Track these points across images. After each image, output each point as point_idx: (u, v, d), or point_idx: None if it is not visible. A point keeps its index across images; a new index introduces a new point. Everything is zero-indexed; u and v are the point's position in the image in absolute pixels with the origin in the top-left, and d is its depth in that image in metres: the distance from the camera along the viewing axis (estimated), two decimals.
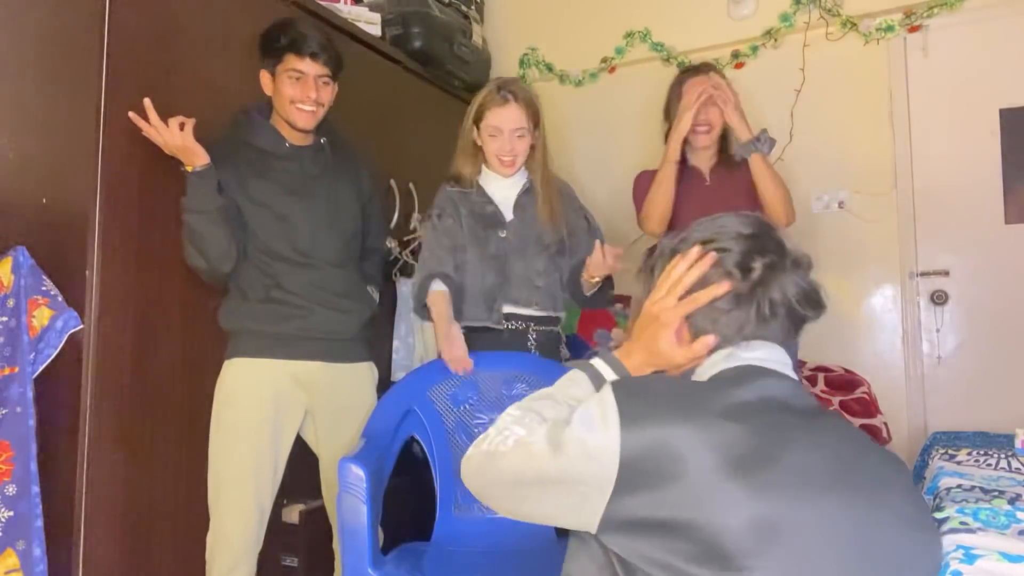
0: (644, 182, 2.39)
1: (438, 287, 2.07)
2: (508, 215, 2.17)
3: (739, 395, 0.95)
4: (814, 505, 0.87)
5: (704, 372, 1.05)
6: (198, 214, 1.82)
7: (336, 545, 2.01)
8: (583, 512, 0.91)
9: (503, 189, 2.20)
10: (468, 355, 1.99)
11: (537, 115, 2.17)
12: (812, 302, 1.05)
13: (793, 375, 1.04)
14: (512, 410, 1.04)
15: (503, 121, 2.11)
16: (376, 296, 2.17)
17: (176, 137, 1.78)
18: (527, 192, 2.20)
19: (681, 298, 1.06)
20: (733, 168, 2.31)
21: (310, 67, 1.90)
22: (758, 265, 1.02)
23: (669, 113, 2.37)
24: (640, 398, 0.93)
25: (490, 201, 2.18)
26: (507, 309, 2.11)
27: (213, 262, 1.86)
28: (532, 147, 2.18)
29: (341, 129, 2.17)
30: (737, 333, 1.03)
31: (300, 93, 1.90)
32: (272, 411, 1.88)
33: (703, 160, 2.37)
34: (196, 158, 1.81)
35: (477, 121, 2.16)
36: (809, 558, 0.85)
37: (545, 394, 1.09)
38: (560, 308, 2.21)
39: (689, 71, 2.40)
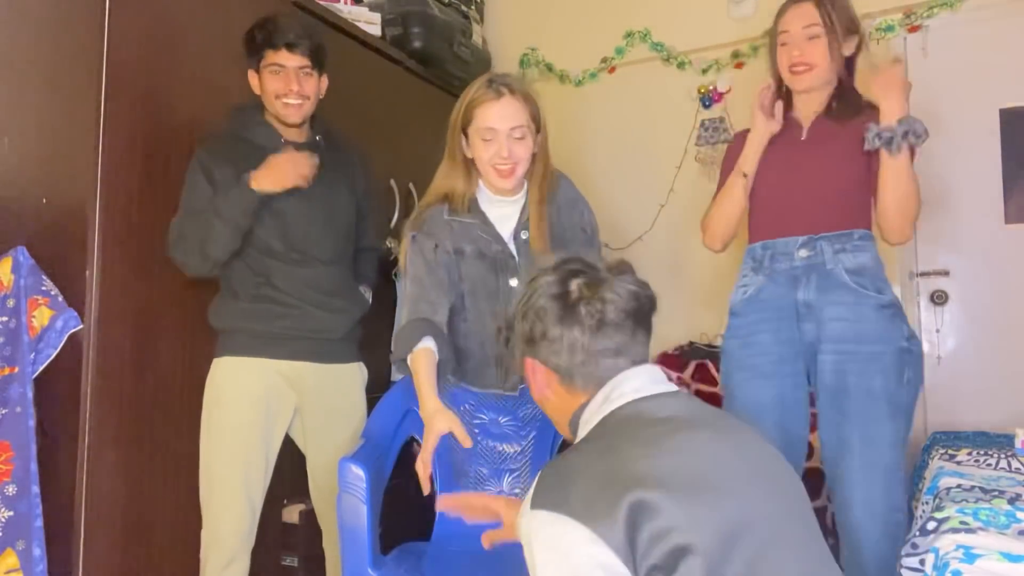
0: (733, 153, 1.95)
1: (427, 344, 1.69)
2: (515, 255, 1.83)
3: (643, 434, 0.98)
4: (753, 504, 0.92)
5: (589, 420, 1.06)
6: (231, 224, 1.81)
7: (326, 545, 2.00)
8: None
9: (504, 217, 1.84)
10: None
11: (538, 115, 1.81)
12: (646, 297, 1.12)
13: (671, 387, 1.07)
14: None
15: (497, 119, 1.74)
16: (369, 296, 2.15)
17: (303, 166, 1.85)
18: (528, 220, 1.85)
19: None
20: (844, 121, 1.81)
21: (288, 59, 1.88)
22: (575, 289, 1.08)
23: (770, 50, 1.91)
24: (569, 493, 0.91)
25: (497, 238, 1.81)
26: None
27: (212, 258, 1.84)
28: (533, 156, 1.82)
29: (337, 126, 2.16)
30: (599, 363, 1.07)
31: (283, 86, 1.89)
32: (263, 410, 1.87)
33: (805, 107, 1.88)
34: (277, 185, 1.82)
35: (465, 126, 1.79)
36: (763, 550, 0.89)
37: None
38: None
39: None
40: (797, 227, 1.81)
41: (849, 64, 1.86)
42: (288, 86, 1.89)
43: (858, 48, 1.86)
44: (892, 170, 1.70)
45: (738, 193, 1.88)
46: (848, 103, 1.83)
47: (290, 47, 1.88)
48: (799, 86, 1.84)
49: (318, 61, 1.94)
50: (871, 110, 1.77)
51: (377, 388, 2.14)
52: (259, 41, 1.89)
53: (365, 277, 2.18)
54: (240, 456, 1.84)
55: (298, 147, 1.98)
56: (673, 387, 1.08)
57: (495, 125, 1.75)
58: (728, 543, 0.86)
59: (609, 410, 1.03)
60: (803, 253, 1.79)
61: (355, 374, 2.06)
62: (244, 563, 1.86)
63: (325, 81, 2.00)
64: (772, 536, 0.90)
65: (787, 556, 0.90)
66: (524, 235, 1.85)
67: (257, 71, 1.93)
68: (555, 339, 1.08)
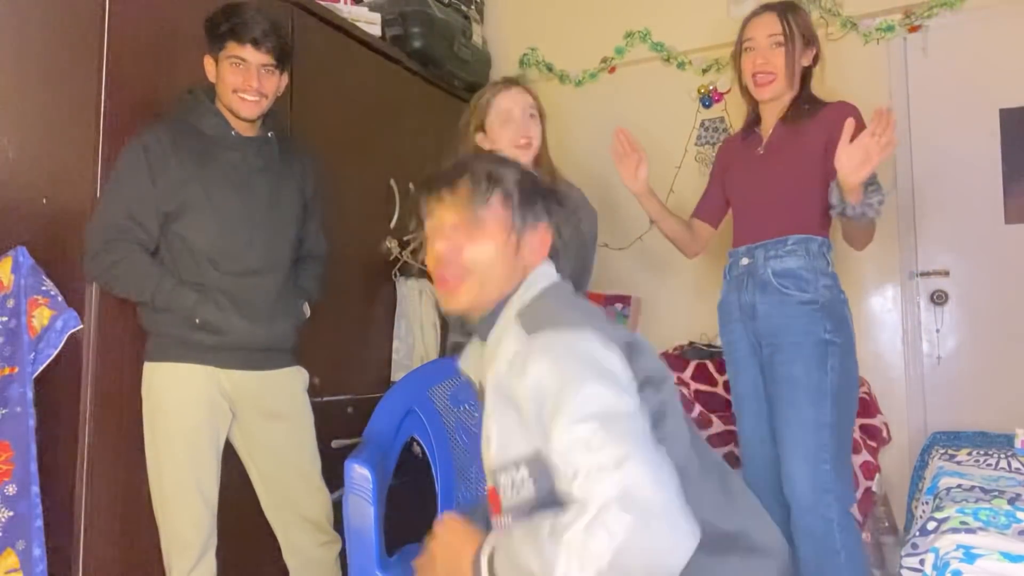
0: (718, 156, 2.22)
1: None
2: None
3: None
4: None
5: (527, 293, 1.15)
6: (157, 306, 1.78)
7: (287, 557, 1.96)
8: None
9: None
10: None
11: (541, 108, 2.07)
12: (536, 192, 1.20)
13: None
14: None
15: (513, 101, 1.98)
16: (307, 312, 2.04)
17: None
18: None
19: None
20: (800, 122, 1.96)
21: (251, 55, 1.80)
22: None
23: (735, 58, 2.06)
24: (564, 318, 1.06)
25: None
26: None
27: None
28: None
29: (285, 123, 2.08)
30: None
31: (242, 82, 1.81)
32: (206, 411, 1.81)
33: (770, 115, 2.04)
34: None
35: (482, 121, 2.00)
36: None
37: None
38: None
39: (759, 8, 2.03)
40: (747, 237, 2.02)
41: (805, 75, 2.02)
42: (248, 82, 1.81)
43: (815, 59, 2.02)
44: (854, 228, 1.88)
45: (667, 231, 2.18)
46: (801, 110, 1.97)
47: (255, 43, 1.80)
48: (763, 96, 2.00)
49: (282, 59, 1.86)
50: (824, 112, 1.94)
51: (377, 388, 2.14)
52: (223, 30, 1.80)
53: (307, 292, 2.05)
54: (190, 459, 1.78)
55: (248, 141, 1.90)
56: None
57: (512, 107, 1.98)
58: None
59: (540, 289, 1.15)
60: (744, 261, 2.00)
61: (294, 378, 1.97)
62: (210, 565, 1.81)
63: (285, 79, 1.92)
64: None
65: None
66: None
67: (215, 58, 1.84)
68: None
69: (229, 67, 1.82)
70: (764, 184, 2.01)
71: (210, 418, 1.82)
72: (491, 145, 1.98)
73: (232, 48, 1.80)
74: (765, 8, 2.01)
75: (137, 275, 1.75)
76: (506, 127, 1.97)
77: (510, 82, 2.06)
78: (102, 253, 1.74)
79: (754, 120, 2.10)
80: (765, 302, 1.92)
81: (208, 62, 1.86)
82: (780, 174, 1.98)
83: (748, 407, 2.01)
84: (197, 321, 1.78)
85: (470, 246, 1.13)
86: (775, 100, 2.01)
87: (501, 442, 1.06)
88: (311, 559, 1.95)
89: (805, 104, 1.98)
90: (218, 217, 1.82)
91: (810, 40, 1.99)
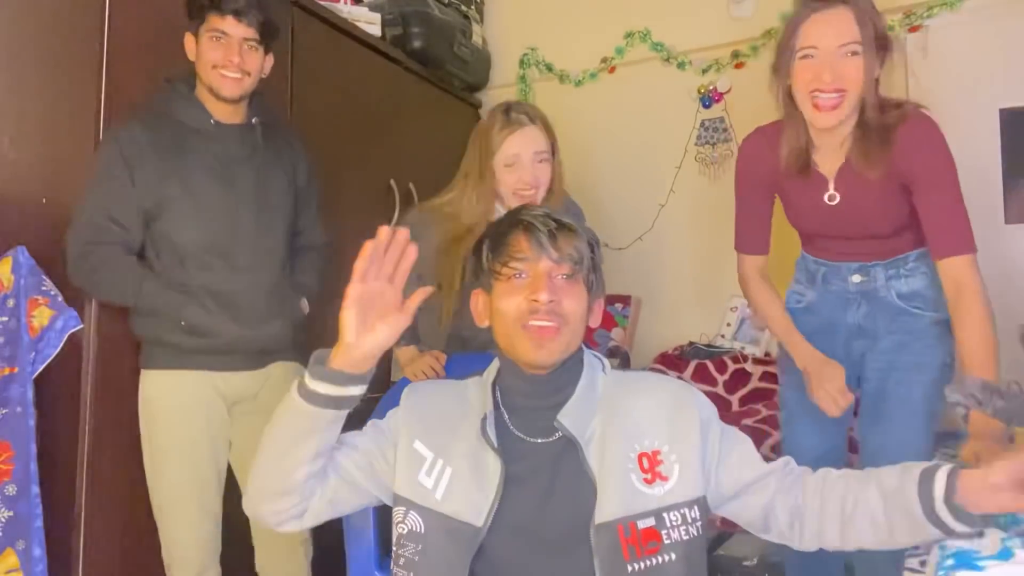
0: (753, 175, 1.75)
1: (412, 344, 1.96)
2: None
3: None
4: None
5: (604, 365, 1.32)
6: (142, 308, 1.75)
7: (262, 565, 1.92)
8: None
9: None
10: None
11: (555, 138, 1.91)
12: None
13: None
14: None
15: (522, 146, 1.82)
16: (306, 308, 1.95)
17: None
18: None
19: None
20: (870, 159, 1.56)
21: (233, 27, 1.72)
22: None
23: (778, 67, 1.59)
24: None
25: None
26: None
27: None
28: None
29: (276, 110, 2.02)
30: None
31: (222, 57, 1.72)
32: (203, 420, 1.78)
33: (828, 148, 1.61)
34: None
35: (490, 152, 1.85)
36: None
37: None
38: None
39: (820, 2, 1.52)
40: (849, 258, 1.77)
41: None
42: (228, 57, 1.72)
43: (881, 65, 1.59)
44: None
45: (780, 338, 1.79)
46: (871, 145, 1.56)
47: (237, 15, 1.71)
48: (828, 123, 1.52)
49: (266, 35, 1.78)
50: (897, 142, 1.58)
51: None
52: (203, 2, 1.72)
53: (303, 287, 1.96)
54: (190, 473, 1.75)
55: (230, 129, 1.82)
56: None
57: (520, 152, 1.83)
58: None
59: None
60: (856, 279, 1.76)
61: (290, 374, 1.87)
62: (215, 573, 1.80)
63: (271, 59, 1.84)
64: None
65: None
66: None
67: (195, 35, 1.76)
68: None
69: (209, 42, 1.73)
70: (850, 232, 1.73)
71: (208, 426, 1.80)
72: (494, 181, 1.87)
73: (213, 21, 1.72)
74: (834, 1, 1.51)
75: (118, 278, 1.71)
76: (511, 172, 1.85)
77: (523, 118, 1.84)
78: (83, 257, 1.70)
79: (802, 149, 1.63)
80: (892, 326, 1.73)
81: (188, 39, 1.78)
82: (865, 224, 1.70)
83: (807, 420, 1.76)
84: (183, 324, 1.73)
85: (568, 299, 1.17)
86: (835, 131, 1.57)
87: (684, 479, 1.14)
88: (279, 546, 1.89)
89: (874, 133, 1.56)
90: (200, 212, 1.74)
91: (884, 44, 1.55)
